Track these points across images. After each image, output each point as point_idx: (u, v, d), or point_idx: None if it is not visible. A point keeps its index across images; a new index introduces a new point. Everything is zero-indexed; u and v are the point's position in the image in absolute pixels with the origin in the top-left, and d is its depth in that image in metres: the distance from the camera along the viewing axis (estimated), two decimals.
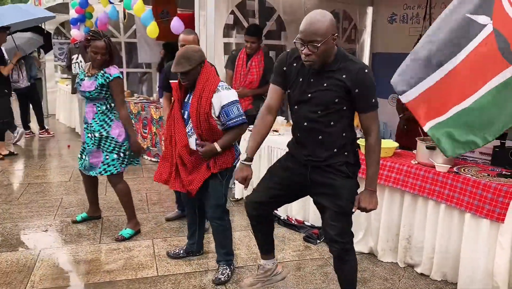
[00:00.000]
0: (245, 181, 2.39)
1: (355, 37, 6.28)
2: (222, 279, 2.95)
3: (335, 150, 2.31)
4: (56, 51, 10.20)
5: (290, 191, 2.51)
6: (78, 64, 7.06)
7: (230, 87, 2.87)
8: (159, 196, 4.71)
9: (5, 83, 6.23)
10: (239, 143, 3.38)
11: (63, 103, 9.09)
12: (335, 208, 2.30)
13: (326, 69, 2.21)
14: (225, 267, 3.02)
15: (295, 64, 2.30)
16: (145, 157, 6.18)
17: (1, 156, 6.11)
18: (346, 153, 2.33)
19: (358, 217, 3.43)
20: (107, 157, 3.48)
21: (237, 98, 2.82)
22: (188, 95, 2.85)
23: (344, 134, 2.31)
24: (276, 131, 4.13)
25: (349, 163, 2.34)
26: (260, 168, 4.17)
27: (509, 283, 2.68)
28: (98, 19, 6.16)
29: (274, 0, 5.14)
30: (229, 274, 3.00)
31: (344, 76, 2.19)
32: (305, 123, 2.30)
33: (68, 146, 7.06)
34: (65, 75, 10.08)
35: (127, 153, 3.54)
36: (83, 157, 3.59)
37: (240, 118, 2.78)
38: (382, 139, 3.68)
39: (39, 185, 5.00)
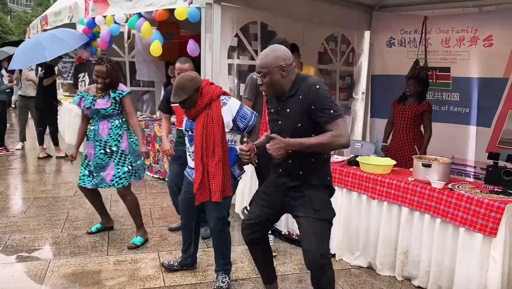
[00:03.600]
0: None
1: (352, 60, 6.51)
2: (223, 286, 3.08)
3: (305, 173, 2.45)
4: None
5: (274, 212, 2.64)
6: (84, 82, 7.26)
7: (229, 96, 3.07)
8: (162, 211, 4.83)
9: (52, 95, 7.21)
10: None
11: (68, 121, 9.22)
12: (311, 214, 2.39)
13: (287, 96, 2.41)
14: (224, 276, 3.15)
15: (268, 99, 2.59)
16: (147, 173, 6.30)
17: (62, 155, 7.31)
18: (308, 177, 2.45)
19: (357, 232, 3.57)
20: (119, 170, 3.68)
21: (240, 102, 3.05)
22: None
23: (312, 159, 2.43)
24: None
25: (314, 183, 2.46)
26: (252, 180, 4.34)
27: None
28: (100, 38, 6.36)
29: (275, 25, 5.36)
30: (229, 282, 3.13)
31: (300, 97, 2.35)
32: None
33: (71, 162, 7.14)
34: (67, 93, 10.24)
35: (133, 165, 3.75)
36: (91, 173, 3.76)
37: (254, 115, 3.04)
38: (380, 158, 3.87)
39: (44, 199, 5.11)
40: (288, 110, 2.39)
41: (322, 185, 2.49)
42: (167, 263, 3.41)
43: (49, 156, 7.38)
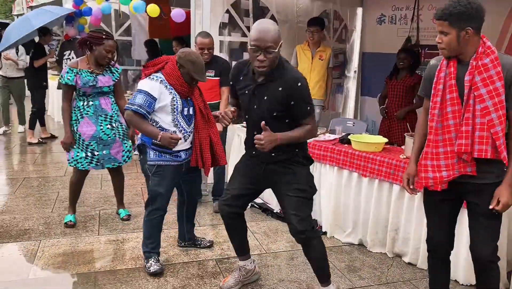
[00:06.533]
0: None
1: (345, 37, 6.43)
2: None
3: (283, 151, 2.48)
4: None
5: (254, 186, 2.68)
6: (69, 60, 7.11)
7: None
8: None
9: (43, 77, 6.98)
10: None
11: (57, 101, 9.09)
12: (294, 193, 2.47)
13: (267, 79, 2.39)
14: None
15: (241, 78, 2.53)
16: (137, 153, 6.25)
17: (40, 140, 6.99)
18: (295, 151, 2.52)
19: (347, 210, 3.58)
20: (126, 144, 3.71)
21: None
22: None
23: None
24: None
25: (300, 159, 2.55)
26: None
27: None
28: (92, 15, 6.24)
29: (267, 0, 5.27)
30: None
31: (280, 88, 2.37)
32: (254, 132, 2.48)
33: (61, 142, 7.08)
34: (55, 72, 10.03)
35: None
36: (95, 153, 3.57)
37: None
38: (371, 136, 3.87)
39: (34, 180, 5.06)
40: (265, 98, 2.41)
41: (305, 158, 2.58)
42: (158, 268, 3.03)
43: (41, 142, 7.02)
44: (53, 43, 10.22)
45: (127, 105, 2.81)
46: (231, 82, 2.61)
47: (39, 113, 7.08)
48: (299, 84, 2.36)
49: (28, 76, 7.02)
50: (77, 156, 3.57)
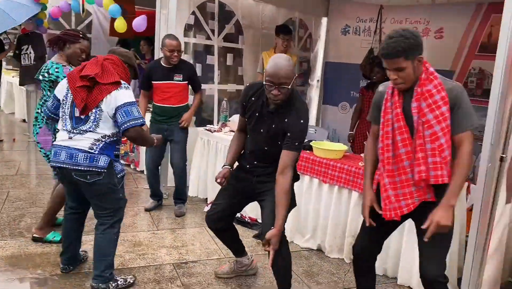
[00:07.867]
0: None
1: (310, 46, 6.52)
2: None
3: (269, 164, 2.59)
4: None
5: (241, 198, 2.79)
6: (28, 56, 6.82)
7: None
8: None
9: None
10: None
11: (9, 95, 8.69)
12: (271, 207, 2.53)
13: (279, 111, 2.48)
14: None
15: (253, 99, 2.59)
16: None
17: None
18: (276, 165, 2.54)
19: (307, 215, 3.61)
20: None
21: None
22: None
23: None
24: (232, 131, 4.25)
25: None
26: (214, 163, 4.28)
27: None
28: (57, 9, 6.03)
29: (233, 5, 5.26)
30: None
31: (286, 120, 2.46)
32: (255, 146, 2.66)
33: (14, 139, 6.80)
34: (10, 67, 9.62)
35: None
36: None
37: None
38: (332, 143, 3.92)
39: None
40: (273, 126, 2.51)
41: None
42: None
43: None
44: (9, 37, 9.79)
45: (133, 122, 2.54)
46: (243, 103, 2.64)
47: None
48: (302, 121, 2.45)
49: None
50: None
